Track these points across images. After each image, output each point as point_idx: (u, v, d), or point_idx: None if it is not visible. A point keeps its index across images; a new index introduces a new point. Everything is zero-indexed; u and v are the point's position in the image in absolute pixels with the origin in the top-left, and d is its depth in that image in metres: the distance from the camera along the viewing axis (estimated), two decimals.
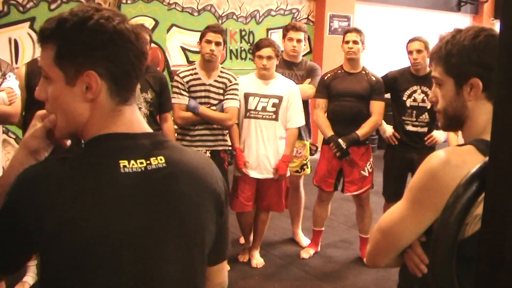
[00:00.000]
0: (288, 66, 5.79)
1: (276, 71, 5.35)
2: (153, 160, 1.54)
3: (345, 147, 5.38)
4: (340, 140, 5.41)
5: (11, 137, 8.21)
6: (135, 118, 1.60)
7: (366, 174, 5.58)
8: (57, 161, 1.51)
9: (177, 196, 1.58)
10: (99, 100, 1.54)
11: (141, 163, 1.52)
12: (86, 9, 1.53)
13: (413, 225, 1.75)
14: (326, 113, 5.57)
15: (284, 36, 5.85)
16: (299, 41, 5.71)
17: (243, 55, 9.94)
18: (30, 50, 8.20)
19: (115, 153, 1.52)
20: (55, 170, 1.48)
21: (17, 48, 8.11)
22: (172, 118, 5.15)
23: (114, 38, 1.51)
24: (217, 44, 5.01)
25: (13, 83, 4.18)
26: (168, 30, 9.11)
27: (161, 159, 1.56)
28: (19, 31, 8.15)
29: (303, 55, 6.19)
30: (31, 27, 8.16)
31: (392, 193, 5.61)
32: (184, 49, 9.33)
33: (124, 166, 1.50)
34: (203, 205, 1.64)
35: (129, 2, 8.62)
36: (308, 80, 5.74)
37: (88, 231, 1.43)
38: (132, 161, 1.52)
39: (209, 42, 5.00)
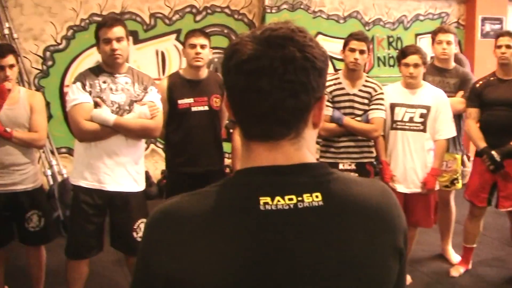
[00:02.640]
0: (439, 72, 5.50)
1: (425, 78, 5.09)
2: (306, 197, 1.28)
3: (499, 160, 5.02)
4: (493, 152, 5.04)
5: (159, 147, 8.41)
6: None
7: None
8: (189, 197, 1.34)
9: (338, 242, 1.29)
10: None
11: (290, 199, 1.27)
12: None
13: None
14: (478, 123, 5.22)
15: (433, 40, 5.57)
16: (448, 43, 5.42)
17: (391, 62, 9.64)
18: (177, 62, 8.38)
19: (255, 188, 1.30)
20: (185, 208, 1.32)
21: (164, 60, 8.29)
22: None
23: None
24: (361, 52, 4.82)
25: (155, 97, 4.20)
26: None
27: (317, 196, 1.29)
28: (166, 43, 8.37)
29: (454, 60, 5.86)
30: (177, 39, 8.33)
31: None
32: (330, 58, 9.18)
33: (265, 203, 1.27)
34: (380, 252, 1.33)
35: (273, 11, 8.60)
36: (461, 93, 5.41)
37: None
38: (278, 197, 1.27)
39: (352, 50, 4.82)
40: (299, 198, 1.27)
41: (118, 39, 4.03)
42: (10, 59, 4.31)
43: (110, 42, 4.02)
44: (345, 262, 1.27)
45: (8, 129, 4.30)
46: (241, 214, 1.27)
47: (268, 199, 1.26)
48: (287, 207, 1.26)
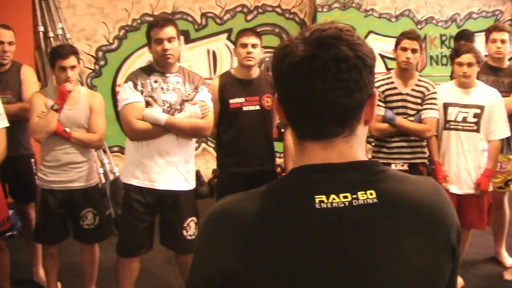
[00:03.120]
0: (493, 71, 5.39)
1: (479, 77, 4.99)
2: (360, 195, 1.29)
3: None
4: None
5: (210, 146, 8.45)
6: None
7: None
8: (245, 196, 1.36)
9: (393, 240, 1.28)
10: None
11: (345, 197, 1.28)
12: None
13: None
14: None
15: (487, 38, 5.47)
16: (503, 41, 5.31)
17: (444, 61, 9.49)
18: (228, 61, 8.40)
19: (310, 186, 1.30)
20: (241, 207, 1.33)
21: (215, 59, 8.32)
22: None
23: None
24: (413, 51, 4.75)
25: (206, 96, 4.22)
26: (365, 37, 8.92)
27: (371, 193, 1.29)
28: (217, 43, 8.39)
29: (509, 59, 5.74)
30: (228, 38, 8.35)
31: None
32: (382, 56, 9.08)
33: (321, 202, 1.27)
34: (434, 249, 1.32)
35: (325, 10, 8.55)
36: None
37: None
38: (333, 196, 1.28)
39: (404, 49, 4.76)
40: (354, 196, 1.28)
41: (170, 39, 4.06)
42: (72, 60, 4.37)
43: (161, 42, 4.05)
44: (400, 259, 1.27)
45: (68, 129, 4.37)
46: (297, 213, 1.27)
47: (323, 197, 1.27)
48: (342, 205, 1.26)
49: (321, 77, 1.27)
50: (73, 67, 4.39)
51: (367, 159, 1.37)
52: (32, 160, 5.18)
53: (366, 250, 1.26)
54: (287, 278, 1.24)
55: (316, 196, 1.27)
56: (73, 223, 4.65)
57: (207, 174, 8.41)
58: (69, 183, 4.49)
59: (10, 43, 4.99)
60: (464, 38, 6.83)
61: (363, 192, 1.28)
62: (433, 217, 1.34)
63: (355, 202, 1.27)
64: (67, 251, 5.23)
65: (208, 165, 8.47)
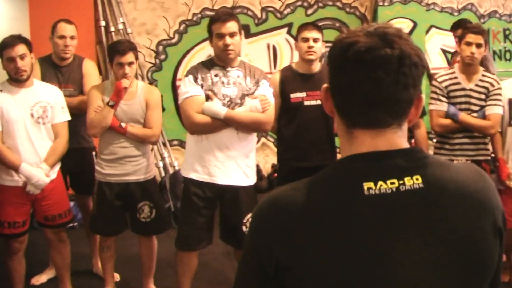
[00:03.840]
0: None
1: None
2: (407, 180, 1.31)
3: None
4: None
5: (270, 141, 8.42)
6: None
7: None
8: (296, 186, 1.38)
9: (442, 224, 1.31)
10: (336, 118, 1.45)
11: (392, 183, 1.31)
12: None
13: None
14: None
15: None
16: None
17: (507, 55, 9.26)
18: (288, 55, 8.36)
19: (358, 174, 1.33)
20: (292, 197, 1.35)
21: (275, 54, 8.29)
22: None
23: None
24: (478, 46, 4.63)
25: (267, 91, 4.18)
26: (427, 32, 8.75)
27: (417, 178, 1.32)
28: (277, 37, 8.35)
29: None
30: (289, 32, 8.30)
31: None
32: (444, 51, 8.90)
33: (369, 188, 1.29)
34: (481, 232, 1.35)
35: (386, 4, 8.41)
36: None
37: (320, 275, 1.28)
38: (381, 182, 1.30)
39: (469, 44, 4.65)
40: (401, 182, 1.31)
41: (231, 34, 4.05)
42: (129, 57, 4.39)
43: (223, 37, 4.04)
44: (449, 243, 1.30)
45: (123, 124, 4.40)
46: (347, 201, 1.30)
47: (371, 184, 1.30)
48: (389, 191, 1.30)
49: (385, 68, 1.30)
50: (130, 64, 4.40)
51: (409, 146, 1.41)
52: (93, 153, 5.24)
53: (413, 234, 1.29)
54: (337, 265, 1.27)
55: (364, 183, 1.30)
56: (130, 216, 4.69)
57: (266, 169, 8.38)
58: (125, 176, 4.53)
59: (72, 38, 5.04)
60: None
61: (410, 178, 1.32)
62: (479, 201, 1.37)
63: (402, 188, 1.31)
64: (125, 243, 5.28)
65: (268, 160, 8.44)
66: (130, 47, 4.50)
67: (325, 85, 1.42)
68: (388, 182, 1.30)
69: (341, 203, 1.30)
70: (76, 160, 4.95)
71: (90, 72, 5.14)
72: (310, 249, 1.28)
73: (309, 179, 1.38)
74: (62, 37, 4.99)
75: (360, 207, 1.29)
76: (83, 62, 5.15)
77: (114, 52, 4.42)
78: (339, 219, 1.29)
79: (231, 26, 4.05)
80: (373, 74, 1.30)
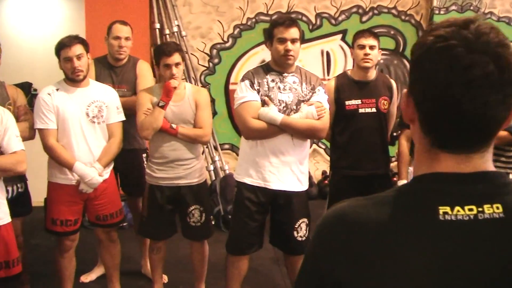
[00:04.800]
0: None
1: None
2: (486, 208, 1.20)
3: None
4: None
5: (321, 147, 8.38)
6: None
7: None
8: (364, 202, 1.31)
9: None
10: (416, 130, 1.32)
11: (470, 210, 1.20)
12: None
13: None
14: None
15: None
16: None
17: None
18: (342, 62, 8.30)
19: (434, 196, 1.23)
20: (360, 214, 1.28)
21: (329, 60, 8.23)
22: None
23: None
24: None
25: (323, 97, 4.16)
26: None
27: (497, 207, 1.21)
28: (331, 44, 8.30)
29: None
30: (343, 39, 8.24)
31: None
32: None
33: (445, 213, 1.20)
34: None
35: (442, 12, 8.30)
36: None
37: None
38: (458, 207, 1.20)
39: None
40: (480, 209, 1.20)
41: (293, 40, 4.04)
42: (176, 58, 4.39)
43: (285, 42, 4.02)
44: None
45: (174, 125, 4.40)
46: (419, 223, 1.21)
47: (447, 209, 1.20)
48: (467, 218, 1.19)
49: (489, 89, 1.18)
50: (177, 64, 4.40)
51: (495, 169, 1.29)
52: (144, 154, 5.25)
53: (489, 266, 1.18)
54: None
55: (440, 207, 1.20)
56: (180, 220, 4.69)
57: (316, 176, 8.34)
58: (176, 180, 4.52)
59: (127, 39, 5.07)
60: None
61: (489, 206, 1.21)
62: None
63: (481, 216, 1.20)
64: (175, 246, 5.28)
65: (318, 166, 8.39)
66: (176, 48, 4.51)
67: (406, 90, 1.32)
68: (466, 208, 1.20)
69: (414, 226, 1.22)
70: (127, 161, 4.98)
71: (144, 73, 5.15)
72: (376, 271, 1.20)
73: (381, 195, 1.31)
74: (117, 38, 5.02)
75: (434, 233, 1.20)
76: (137, 63, 5.17)
77: (160, 53, 4.43)
78: (411, 243, 1.21)
79: (294, 32, 4.04)
80: (478, 94, 1.18)
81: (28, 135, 4.36)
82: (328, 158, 8.27)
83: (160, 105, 4.34)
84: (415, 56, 1.27)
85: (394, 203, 1.27)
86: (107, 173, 4.52)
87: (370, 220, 1.25)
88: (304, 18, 8.16)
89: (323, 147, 8.31)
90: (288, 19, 4.14)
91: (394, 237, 1.22)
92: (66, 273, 4.64)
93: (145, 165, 5.04)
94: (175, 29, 7.68)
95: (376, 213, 1.26)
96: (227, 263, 4.37)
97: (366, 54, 4.59)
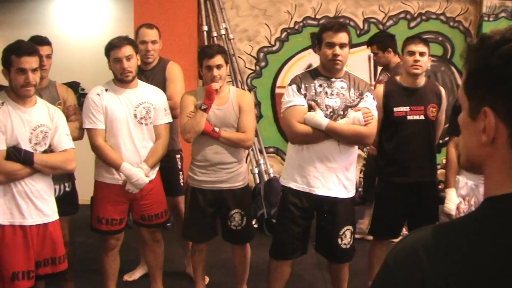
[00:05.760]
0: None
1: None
2: None
3: None
4: None
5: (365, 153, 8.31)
6: None
7: None
8: (445, 228, 1.24)
9: None
10: (499, 147, 1.19)
11: None
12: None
13: None
14: None
15: None
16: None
17: None
18: None
19: None
20: (443, 241, 1.19)
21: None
22: None
23: None
24: None
25: (371, 103, 4.12)
26: None
27: None
28: None
29: None
30: None
31: None
32: None
33: None
34: None
35: (491, 19, 8.16)
36: None
37: None
38: None
39: None
40: None
41: (342, 45, 4.03)
42: (218, 60, 4.39)
43: (333, 46, 4.01)
44: None
45: (216, 129, 4.40)
46: (509, 250, 1.12)
47: None
48: None
49: None
50: (219, 66, 4.40)
51: None
52: (178, 156, 5.25)
53: None
54: None
55: None
56: (221, 223, 4.70)
57: (360, 182, 8.26)
58: (218, 184, 4.52)
59: (154, 42, 5.06)
60: None
61: None
62: None
63: None
64: (217, 248, 5.29)
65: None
66: (218, 50, 4.50)
67: (486, 108, 1.19)
68: None
69: (504, 253, 1.12)
70: (163, 162, 4.89)
71: (173, 76, 5.11)
72: None
73: (459, 220, 1.25)
74: (144, 42, 5.03)
75: None
76: (167, 66, 5.15)
77: (203, 55, 4.45)
78: (501, 271, 1.11)
79: (343, 37, 4.04)
80: None
81: (77, 136, 4.40)
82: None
83: (202, 108, 4.35)
84: (501, 69, 1.16)
85: (479, 227, 1.18)
86: (154, 174, 4.56)
87: (453, 246, 1.17)
88: (351, 23, 8.10)
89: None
90: (337, 24, 4.13)
91: (481, 264, 1.13)
92: (110, 271, 4.69)
93: (179, 166, 5.10)
94: (223, 31, 7.68)
95: (458, 239, 1.18)
96: (270, 267, 4.36)
97: (416, 61, 4.54)
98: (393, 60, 6.13)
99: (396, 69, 5.79)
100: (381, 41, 6.27)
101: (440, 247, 1.18)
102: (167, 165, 5.03)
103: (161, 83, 5.03)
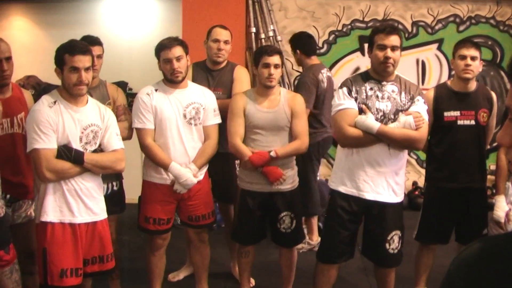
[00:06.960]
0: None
1: None
2: None
3: None
4: None
5: (412, 157, 8.25)
6: None
7: None
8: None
9: None
10: None
11: None
12: None
13: None
14: None
15: None
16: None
17: None
18: (437, 72, 8.14)
19: None
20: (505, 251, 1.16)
21: (424, 69, 8.09)
22: None
23: None
24: None
25: (421, 108, 4.07)
26: None
27: None
28: (427, 53, 8.15)
29: None
30: (439, 48, 8.08)
31: None
32: None
33: None
34: None
35: None
36: None
37: None
38: None
39: None
40: None
41: (393, 48, 4.00)
42: (276, 59, 4.42)
43: (384, 49, 3.99)
44: None
45: (273, 154, 4.41)
46: None
47: None
48: None
49: None
50: (276, 66, 4.42)
51: None
52: (237, 161, 5.20)
53: None
54: None
55: None
56: (271, 226, 4.68)
57: (407, 186, 8.18)
58: (269, 186, 4.51)
59: (226, 42, 5.11)
60: None
61: None
62: None
63: None
64: (263, 250, 5.29)
65: (409, 176, 8.22)
66: (277, 50, 4.54)
67: None
68: None
69: None
70: (218, 164, 4.92)
71: (241, 78, 5.14)
72: None
73: None
74: (216, 40, 5.07)
75: None
76: (235, 68, 5.19)
77: (262, 52, 4.47)
78: None
79: (394, 39, 4.00)
80: None
81: (126, 135, 4.44)
82: (419, 169, 8.19)
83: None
84: None
85: None
86: (202, 174, 4.57)
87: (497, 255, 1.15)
88: (400, 26, 8.03)
89: (415, 157, 8.19)
90: (389, 26, 4.09)
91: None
92: (156, 270, 4.72)
93: (237, 172, 5.05)
94: (271, 33, 7.69)
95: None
96: (317, 270, 4.34)
97: (467, 65, 4.48)
98: (306, 61, 6.27)
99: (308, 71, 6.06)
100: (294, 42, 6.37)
101: (504, 259, 1.14)
102: (223, 168, 5.09)
103: (228, 84, 5.08)
